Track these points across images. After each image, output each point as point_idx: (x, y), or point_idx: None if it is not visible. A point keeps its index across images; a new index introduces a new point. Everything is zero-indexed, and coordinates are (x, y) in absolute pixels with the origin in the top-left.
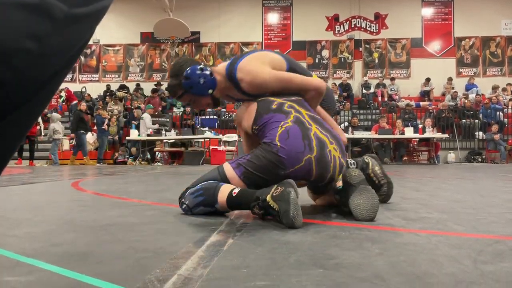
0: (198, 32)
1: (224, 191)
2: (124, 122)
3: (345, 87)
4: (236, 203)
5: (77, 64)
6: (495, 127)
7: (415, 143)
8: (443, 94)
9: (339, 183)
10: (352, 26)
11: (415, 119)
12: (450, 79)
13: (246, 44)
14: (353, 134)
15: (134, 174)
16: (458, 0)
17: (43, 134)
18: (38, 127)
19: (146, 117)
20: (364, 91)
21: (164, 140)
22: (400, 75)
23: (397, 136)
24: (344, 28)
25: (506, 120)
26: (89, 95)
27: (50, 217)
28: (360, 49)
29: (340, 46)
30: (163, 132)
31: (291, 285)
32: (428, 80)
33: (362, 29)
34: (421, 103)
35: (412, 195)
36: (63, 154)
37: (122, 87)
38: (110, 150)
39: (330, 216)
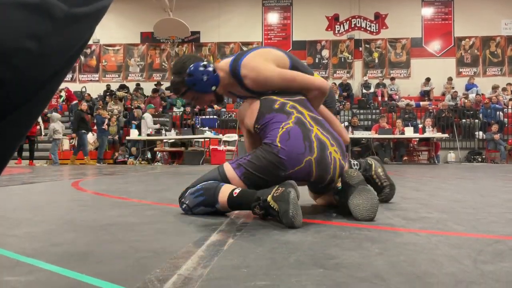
0: (198, 32)
1: (224, 191)
2: (124, 122)
3: (345, 87)
4: (237, 203)
5: (77, 64)
6: (495, 127)
7: (415, 143)
8: (443, 94)
9: (339, 184)
10: (352, 26)
11: (415, 119)
12: (450, 79)
13: (246, 44)
14: (353, 134)
15: (134, 174)
16: (458, 0)
17: (43, 134)
18: (38, 127)
19: (147, 116)
20: (364, 91)
21: (164, 140)
22: (400, 75)
23: (397, 136)
24: (344, 28)
25: (506, 120)
26: (89, 95)
27: (50, 217)
28: (360, 49)
29: (340, 46)
30: (163, 132)
31: (291, 285)
32: (428, 80)
33: (362, 29)
34: (421, 103)
35: (412, 195)
36: (63, 154)
37: (122, 87)
38: (110, 150)
39: (330, 216)
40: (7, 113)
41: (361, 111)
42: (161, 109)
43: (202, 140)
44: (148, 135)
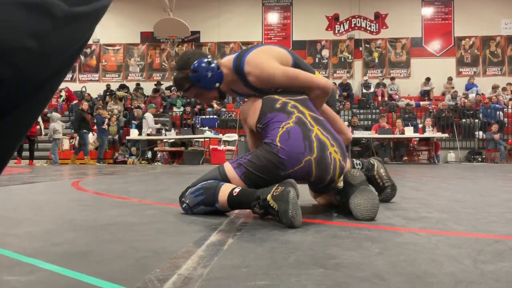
0: (198, 32)
1: (224, 191)
2: (124, 121)
3: (345, 87)
4: (236, 202)
5: (77, 64)
6: (495, 127)
7: (415, 142)
8: (443, 94)
9: (340, 184)
10: (352, 25)
11: (415, 118)
12: (450, 79)
13: (246, 43)
14: (353, 134)
15: (134, 174)
16: None
17: (43, 133)
18: (38, 127)
19: (149, 116)
20: (364, 90)
21: (164, 140)
22: (400, 74)
23: (397, 135)
24: (344, 27)
25: (506, 119)
26: (89, 94)
27: (50, 216)
28: (360, 48)
29: (340, 46)
30: (163, 131)
31: (291, 284)
32: (428, 79)
33: (362, 29)
34: (421, 103)
35: (412, 194)
36: (63, 153)
37: (122, 87)
38: (110, 150)
39: (330, 215)
40: (6, 112)
41: (361, 111)
42: (161, 110)
43: (202, 140)
44: (148, 134)
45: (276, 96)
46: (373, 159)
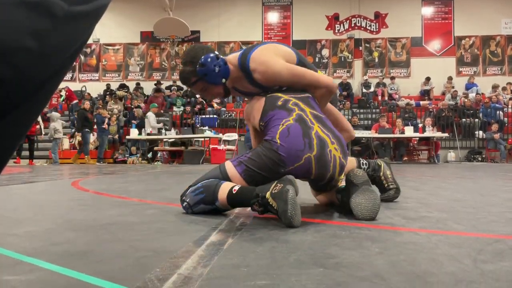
0: (198, 31)
1: (224, 189)
2: (124, 121)
3: (345, 86)
4: (236, 200)
5: (77, 63)
6: (495, 126)
7: (415, 142)
8: (443, 93)
9: (342, 183)
10: (352, 25)
11: (415, 118)
12: (450, 78)
13: (246, 43)
14: None
15: (134, 173)
16: None
17: (43, 133)
18: (38, 126)
19: (151, 116)
20: (364, 90)
21: (164, 139)
22: (400, 74)
23: (397, 135)
24: (344, 27)
25: (506, 119)
26: (89, 94)
27: (50, 216)
28: (360, 48)
29: (340, 45)
30: (163, 131)
31: (291, 284)
32: (428, 79)
33: (362, 28)
34: (421, 102)
35: (412, 194)
36: (63, 153)
37: (122, 86)
38: (110, 149)
39: (330, 215)
40: (6, 112)
41: (361, 110)
42: (162, 111)
43: (202, 139)
44: (148, 134)
45: (279, 94)
46: (380, 160)
